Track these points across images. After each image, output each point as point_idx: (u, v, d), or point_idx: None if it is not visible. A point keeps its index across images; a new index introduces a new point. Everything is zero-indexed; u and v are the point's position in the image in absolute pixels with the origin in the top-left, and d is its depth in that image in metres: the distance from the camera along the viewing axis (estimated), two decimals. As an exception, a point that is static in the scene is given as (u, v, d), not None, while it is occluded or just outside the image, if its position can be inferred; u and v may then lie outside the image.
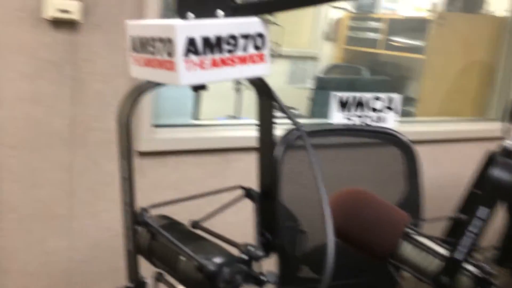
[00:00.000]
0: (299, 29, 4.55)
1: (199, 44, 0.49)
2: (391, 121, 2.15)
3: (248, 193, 0.64)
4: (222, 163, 1.71)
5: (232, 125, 1.88)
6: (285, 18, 4.57)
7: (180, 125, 1.71)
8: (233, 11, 0.47)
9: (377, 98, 2.09)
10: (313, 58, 4.48)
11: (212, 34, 0.49)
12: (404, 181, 1.38)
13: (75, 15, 1.28)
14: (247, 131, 1.76)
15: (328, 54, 4.47)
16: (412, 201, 1.38)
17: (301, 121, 2.11)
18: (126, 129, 0.56)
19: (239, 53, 0.50)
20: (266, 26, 0.50)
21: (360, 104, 2.06)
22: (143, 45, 0.53)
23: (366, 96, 2.06)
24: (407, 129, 2.18)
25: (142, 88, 0.55)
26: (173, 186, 1.65)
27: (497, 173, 0.57)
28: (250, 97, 2.16)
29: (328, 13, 4.48)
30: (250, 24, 0.50)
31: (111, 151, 1.52)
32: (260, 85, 0.56)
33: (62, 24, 1.30)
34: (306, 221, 1.30)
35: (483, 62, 2.61)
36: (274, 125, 0.59)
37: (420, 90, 2.80)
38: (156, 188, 1.63)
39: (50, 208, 1.51)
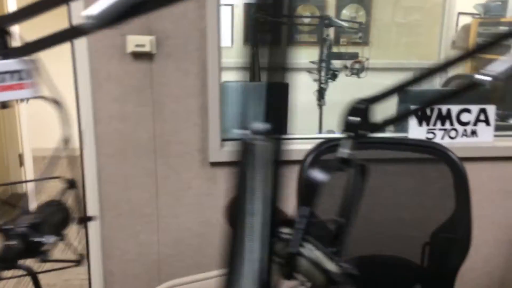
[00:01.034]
0: (427, 40, 4.36)
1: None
2: (486, 135, 1.98)
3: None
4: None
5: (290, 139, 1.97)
6: (412, 29, 4.44)
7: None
8: (5, 55, 0.64)
9: (466, 110, 1.96)
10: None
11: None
12: (452, 198, 1.32)
13: (149, 48, 1.57)
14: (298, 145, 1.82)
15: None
16: (459, 219, 1.31)
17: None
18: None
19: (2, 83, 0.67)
20: (27, 63, 0.65)
21: (447, 117, 1.95)
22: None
23: (452, 108, 1.94)
24: (506, 143, 1.98)
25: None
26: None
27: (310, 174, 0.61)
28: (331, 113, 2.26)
29: (456, 21, 4.20)
30: (7, 64, 0.65)
31: (186, 160, 1.77)
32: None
33: (140, 55, 1.60)
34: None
35: None
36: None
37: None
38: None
39: (140, 207, 1.81)
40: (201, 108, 1.71)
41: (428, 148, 1.34)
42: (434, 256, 1.31)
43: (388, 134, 2.21)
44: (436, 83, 3.85)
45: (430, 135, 1.96)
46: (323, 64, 2.11)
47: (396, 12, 4.43)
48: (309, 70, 2.16)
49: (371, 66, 4.33)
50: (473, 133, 1.98)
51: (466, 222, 1.30)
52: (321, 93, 2.26)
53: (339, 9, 4.62)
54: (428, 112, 1.94)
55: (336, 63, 2.57)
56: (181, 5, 1.60)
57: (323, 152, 1.31)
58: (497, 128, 3.36)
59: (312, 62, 2.14)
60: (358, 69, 2.38)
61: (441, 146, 1.33)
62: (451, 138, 1.97)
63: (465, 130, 1.97)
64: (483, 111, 1.97)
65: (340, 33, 4.66)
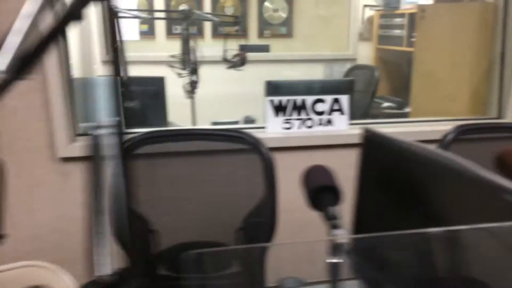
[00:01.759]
0: (337, 32, 4.49)
1: None
2: (341, 124, 2.08)
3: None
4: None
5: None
6: (321, 23, 4.56)
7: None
8: None
9: (320, 100, 2.05)
10: (351, 60, 4.38)
11: None
12: (261, 185, 1.39)
13: None
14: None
15: (364, 55, 4.34)
16: (267, 205, 1.38)
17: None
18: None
19: None
20: None
21: (302, 108, 2.04)
22: None
23: (307, 98, 2.03)
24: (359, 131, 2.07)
25: None
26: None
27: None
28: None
29: (362, 13, 4.35)
30: None
31: (36, 156, 1.77)
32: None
33: None
34: (159, 222, 1.39)
35: (476, 55, 2.37)
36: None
37: (412, 88, 2.60)
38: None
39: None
40: (46, 103, 1.72)
41: (239, 139, 1.40)
42: (246, 239, 1.38)
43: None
44: (340, 74, 3.99)
45: (287, 125, 2.04)
46: (194, 58, 2.15)
47: (316, 4, 4.53)
48: (170, 65, 2.20)
49: (282, 58, 4.44)
50: (329, 122, 2.08)
51: (272, 207, 1.37)
52: (192, 86, 2.30)
53: (261, 1, 4.69)
54: (284, 102, 2.02)
55: (216, 56, 2.61)
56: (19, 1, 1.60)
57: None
58: (393, 116, 3.51)
59: (172, 56, 2.18)
60: (236, 62, 2.43)
61: (251, 137, 1.40)
62: (308, 127, 2.06)
63: (320, 120, 2.07)
64: (336, 101, 2.07)
65: (264, 25, 4.74)
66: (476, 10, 2.37)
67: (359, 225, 0.98)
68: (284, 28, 4.78)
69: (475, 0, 2.45)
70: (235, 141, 1.38)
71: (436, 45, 2.46)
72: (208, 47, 3.65)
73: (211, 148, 1.40)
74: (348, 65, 4.03)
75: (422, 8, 2.50)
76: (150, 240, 1.38)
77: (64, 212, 1.85)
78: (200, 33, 4.34)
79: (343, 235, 0.78)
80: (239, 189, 1.39)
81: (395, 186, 0.88)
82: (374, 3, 4.09)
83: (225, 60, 2.45)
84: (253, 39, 4.70)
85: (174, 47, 3.20)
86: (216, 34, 4.48)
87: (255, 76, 2.94)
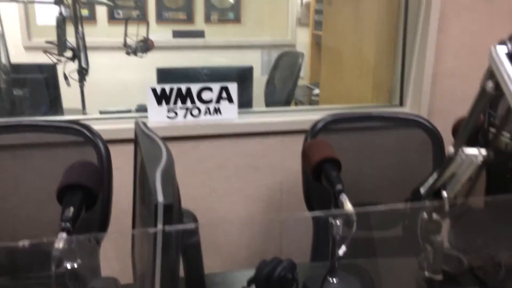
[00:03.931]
0: (276, 17, 4.42)
1: None
2: (230, 113, 2.02)
3: None
4: None
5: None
6: (261, 7, 4.47)
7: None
8: None
9: (207, 89, 1.99)
10: (290, 46, 4.32)
11: None
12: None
13: None
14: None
15: (303, 41, 4.28)
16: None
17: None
18: None
19: None
20: None
21: (187, 96, 1.97)
22: None
23: (192, 86, 1.96)
24: (248, 120, 2.02)
25: None
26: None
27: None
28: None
29: (300, -2, 4.29)
30: None
31: None
32: None
33: None
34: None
35: (380, 42, 2.32)
36: None
37: (321, 74, 2.56)
38: None
39: None
40: None
41: (73, 130, 1.33)
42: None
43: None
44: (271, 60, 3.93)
45: (172, 114, 1.98)
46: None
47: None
48: (45, 50, 2.12)
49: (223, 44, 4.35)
50: (217, 110, 2.02)
51: (107, 199, 1.31)
52: (80, 74, 2.22)
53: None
54: (167, 91, 1.95)
55: (117, 43, 2.53)
56: None
57: None
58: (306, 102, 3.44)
59: (49, 42, 2.10)
60: (135, 48, 2.35)
61: (83, 125, 1.33)
62: (194, 116, 1.99)
63: (208, 108, 2.01)
64: (225, 89, 2.01)
65: (211, 10, 4.64)
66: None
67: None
68: (232, 14, 4.69)
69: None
70: (68, 133, 1.31)
71: (342, 31, 2.41)
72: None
73: (44, 141, 1.33)
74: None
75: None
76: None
77: None
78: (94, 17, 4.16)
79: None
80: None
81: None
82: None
83: (124, 46, 2.37)
84: (199, 24, 4.60)
85: (117, 32, 3.11)
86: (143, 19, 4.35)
87: (167, 62, 2.87)
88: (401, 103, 2.27)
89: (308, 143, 1.14)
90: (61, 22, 2.00)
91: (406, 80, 2.23)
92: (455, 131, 1.14)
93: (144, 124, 0.84)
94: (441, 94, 2.14)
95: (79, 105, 2.52)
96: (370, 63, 2.39)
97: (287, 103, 3.04)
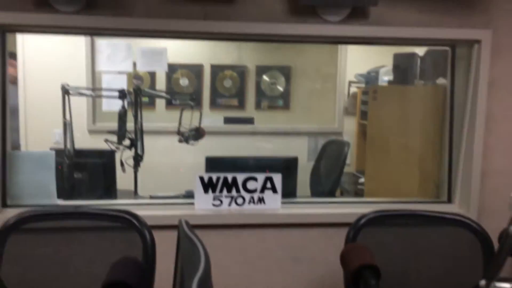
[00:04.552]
0: (324, 106, 4.56)
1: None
2: (273, 203, 2.06)
3: None
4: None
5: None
6: (311, 97, 4.64)
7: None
8: None
9: (252, 178, 2.05)
10: (337, 134, 4.40)
11: None
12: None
13: None
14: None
15: (350, 129, 4.35)
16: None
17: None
18: None
19: None
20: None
21: (233, 185, 2.03)
22: None
23: (238, 176, 2.03)
24: (292, 211, 2.02)
25: None
26: None
27: None
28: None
29: (348, 89, 4.43)
30: None
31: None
32: None
33: None
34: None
35: (427, 136, 2.34)
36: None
37: (366, 167, 2.57)
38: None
39: None
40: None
41: (124, 219, 1.41)
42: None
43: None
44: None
45: (217, 202, 2.04)
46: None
47: (311, 78, 4.65)
48: (106, 139, 2.29)
49: (270, 130, 4.49)
50: (261, 200, 2.06)
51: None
52: (136, 160, 2.36)
53: (259, 74, 4.84)
54: (214, 179, 2.03)
55: (172, 127, 2.70)
56: None
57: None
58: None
59: (110, 132, 2.27)
60: (187, 136, 2.49)
61: (132, 214, 1.40)
62: (238, 205, 2.04)
63: (252, 198, 2.05)
64: (269, 179, 2.06)
65: (262, 97, 4.87)
66: (426, 93, 2.38)
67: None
68: (281, 101, 4.88)
69: (426, 84, 2.46)
70: (118, 221, 1.39)
71: (387, 124, 2.46)
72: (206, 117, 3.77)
73: (96, 225, 1.41)
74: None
75: (374, 89, 2.52)
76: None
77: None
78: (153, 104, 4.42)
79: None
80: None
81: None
82: (355, 80, 4.17)
83: (178, 134, 2.52)
84: (250, 110, 4.81)
85: (174, 117, 3.33)
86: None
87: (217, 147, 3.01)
88: (449, 200, 2.21)
89: (346, 248, 1.14)
90: (122, 115, 2.19)
91: (454, 176, 2.19)
92: (500, 239, 1.11)
93: (187, 223, 0.89)
94: (490, 193, 2.08)
95: (131, 186, 2.66)
96: (415, 156, 2.39)
97: (332, 192, 3.04)
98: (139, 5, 1.89)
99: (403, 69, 2.49)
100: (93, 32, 2.35)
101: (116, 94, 2.27)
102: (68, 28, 1.91)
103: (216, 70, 4.61)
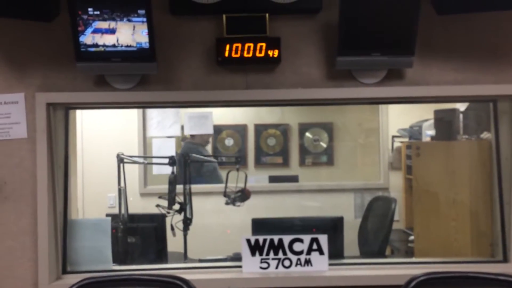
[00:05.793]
0: (368, 161, 4.55)
1: None
2: (321, 265, 2.05)
3: None
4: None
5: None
6: (354, 152, 4.65)
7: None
8: None
9: (298, 240, 2.06)
10: (383, 189, 4.34)
11: None
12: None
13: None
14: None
15: (396, 184, 4.28)
16: None
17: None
18: None
19: None
20: None
21: (279, 247, 2.05)
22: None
23: (284, 238, 2.05)
24: (339, 273, 1.99)
25: None
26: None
27: None
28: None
29: (391, 144, 4.40)
30: None
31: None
32: None
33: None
34: None
35: (475, 192, 2.29)
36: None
37: (415, 226, 2.51)
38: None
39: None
40: (35, 244, 1.93)
41: (175, 285, 1.46)
42: None
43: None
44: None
45: (264, 265, 2.06)
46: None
47: (355, 134, 4.68)
48: (157, 204, 2.39)
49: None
50: (308, 262, 2.06)
51: None
52: (185, 223, 2.44)
53: (301, 132, 4.93)
54: (260, 242, 2.06)
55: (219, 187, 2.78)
56: (17, 155, 1.93)
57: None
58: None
59: (161, 197, 2.37)
60: (234, 198, 2.57)
61: (183, 280, 1.46)
62: (285, 267, 2.05)
63: (299, 260, 2.06)
64: (315, 240, 2.07)
65: (305, 154, 4.92)
66: (471, 148, 2.36)
67: None
68: (325, 157, 4.91)
69: (470, 138, 2.44)
70: (168, 287, 1.45)
71: (432, 181, 2.43)
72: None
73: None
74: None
75: (417, 146, 2.53)
76: None
77: None
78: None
79: None
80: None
81: None
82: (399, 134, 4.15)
83: (224, 196, 2.60)
84: (294, 167, 4.86)
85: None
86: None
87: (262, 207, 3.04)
88: (505, 259, 2.12)
89: None
90: (173, 180, 2.31)
91: (508, 233, 2.11)
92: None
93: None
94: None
95: (180, 248, 2.72)
96: (465, 212, 2.33)
97: (381, 251, 2.97)
98: (186, 78, 2.04)
99: (445, 124, 2.49)
100: (146, 105, 2.54)
101: (166, 160, 2.41)
102: (124, 103, 2.09)
103: (260, 129, 4.73)
